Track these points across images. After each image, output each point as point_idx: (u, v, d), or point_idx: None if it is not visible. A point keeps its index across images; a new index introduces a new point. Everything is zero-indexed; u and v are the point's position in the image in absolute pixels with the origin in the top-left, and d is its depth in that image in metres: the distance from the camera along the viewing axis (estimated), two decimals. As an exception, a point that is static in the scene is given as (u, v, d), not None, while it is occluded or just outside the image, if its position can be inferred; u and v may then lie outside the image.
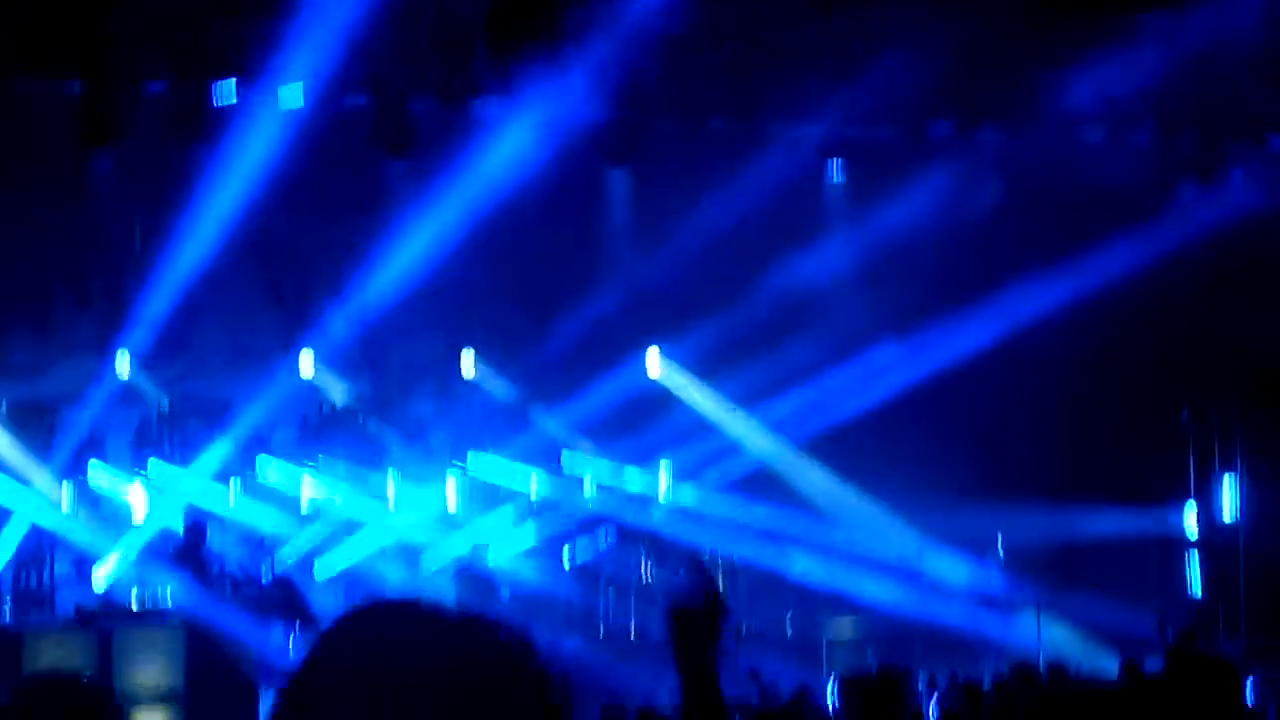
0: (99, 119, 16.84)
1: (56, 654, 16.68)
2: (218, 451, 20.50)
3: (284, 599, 16.81)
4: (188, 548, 18.46)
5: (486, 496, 21.78)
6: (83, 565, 19.71)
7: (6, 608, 19.39)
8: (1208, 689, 7.94)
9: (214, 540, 19.62)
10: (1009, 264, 20.33)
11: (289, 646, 16.20)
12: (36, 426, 20.14)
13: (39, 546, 19.87)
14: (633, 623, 20.37)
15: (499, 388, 22.31)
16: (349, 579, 21.14)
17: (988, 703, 12.65)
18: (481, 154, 19.63)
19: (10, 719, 3.94)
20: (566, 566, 20.81)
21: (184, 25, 18.68)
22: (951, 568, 20.72)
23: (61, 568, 20.04)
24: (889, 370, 20.90)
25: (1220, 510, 20.30)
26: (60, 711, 3.92)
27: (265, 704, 15.97)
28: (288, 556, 20.21)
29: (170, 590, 18.32)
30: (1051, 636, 19.09)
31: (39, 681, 4.01)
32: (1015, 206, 20.45)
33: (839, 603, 20.27)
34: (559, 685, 2.04)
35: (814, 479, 22.40)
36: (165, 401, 20.78)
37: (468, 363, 22.27)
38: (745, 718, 11.79)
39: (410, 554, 21.43)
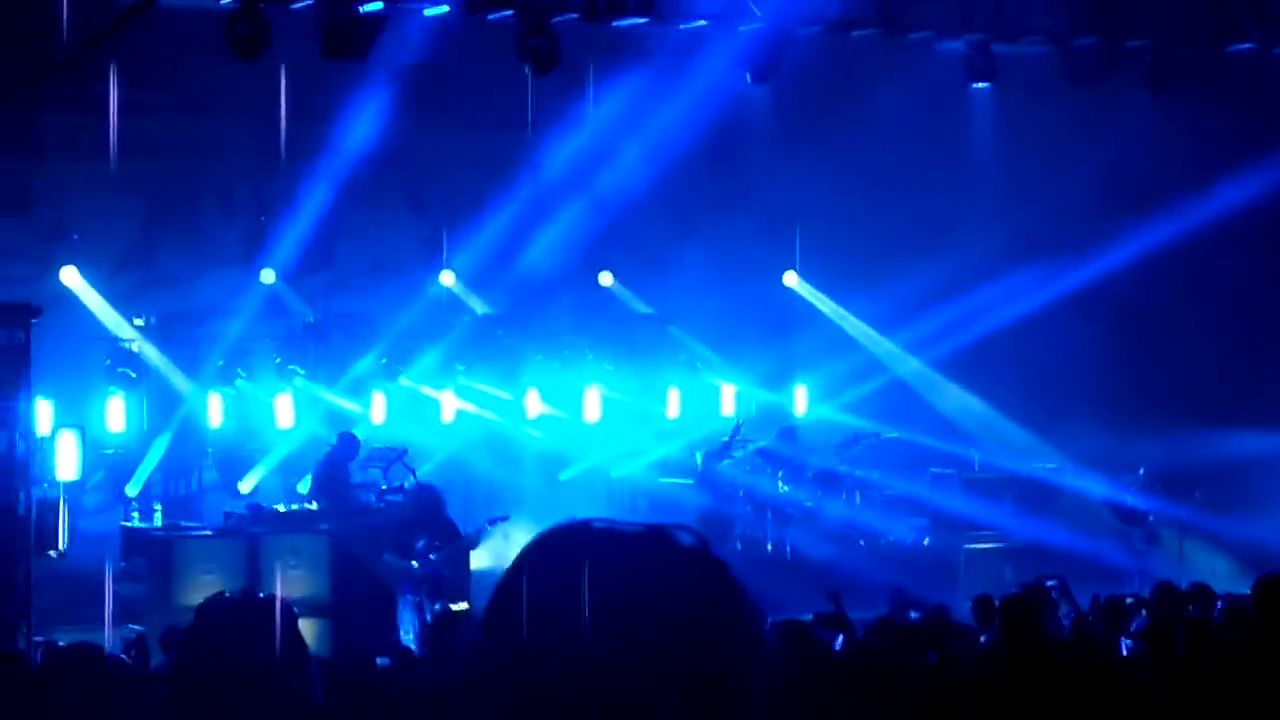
0: (247, 32, 16.95)
1: (204, 562, 17.01)
2: (362, 364, 20.77)
3: (426, 506, 16.99)
4: (336, 461, 18.71)
5: (624, 408, 21.94)
6: (230, 473, 20.06)
7: (157, 514, 19.76)
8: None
9: (359, 450, 19.92)
10: (1159, 181, 20.03)
11: (429, 557, 16.39)
12: (185, 338, 20.48)
13: (187, 454, 20.25)
14: (768, 537, 20.45)
15: (637, 304, 22.42)
16: (489, 488, 21.41)
17: (1129, 621, 12.62)
18: (623, 74, 19.58)
19: (198, 636, 4.04)
20: (703, 477, 20.89)
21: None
22: (1091, 486, 20.59)
23: (210, 475, 20.41)
24: (1029, 291, 20.71)
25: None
26: (244, 626, 4.02)
27: (403, 616, 16.19)
28: (429, 465, 20.45)
29: (315, 500, 18.60)
30: (1194, 558, 18.94)
31: (220, 599, 4.14)
32: (1161, 125, 20.07)
33: (977, 519, 20.20)
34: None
35: (952, 397, 22.35)
36: (311, 314, 21.06)
37: (606, 279, 22.39)
38: (883, 630, 11.81)
39: (551, 463, 21.66)
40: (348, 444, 18.50)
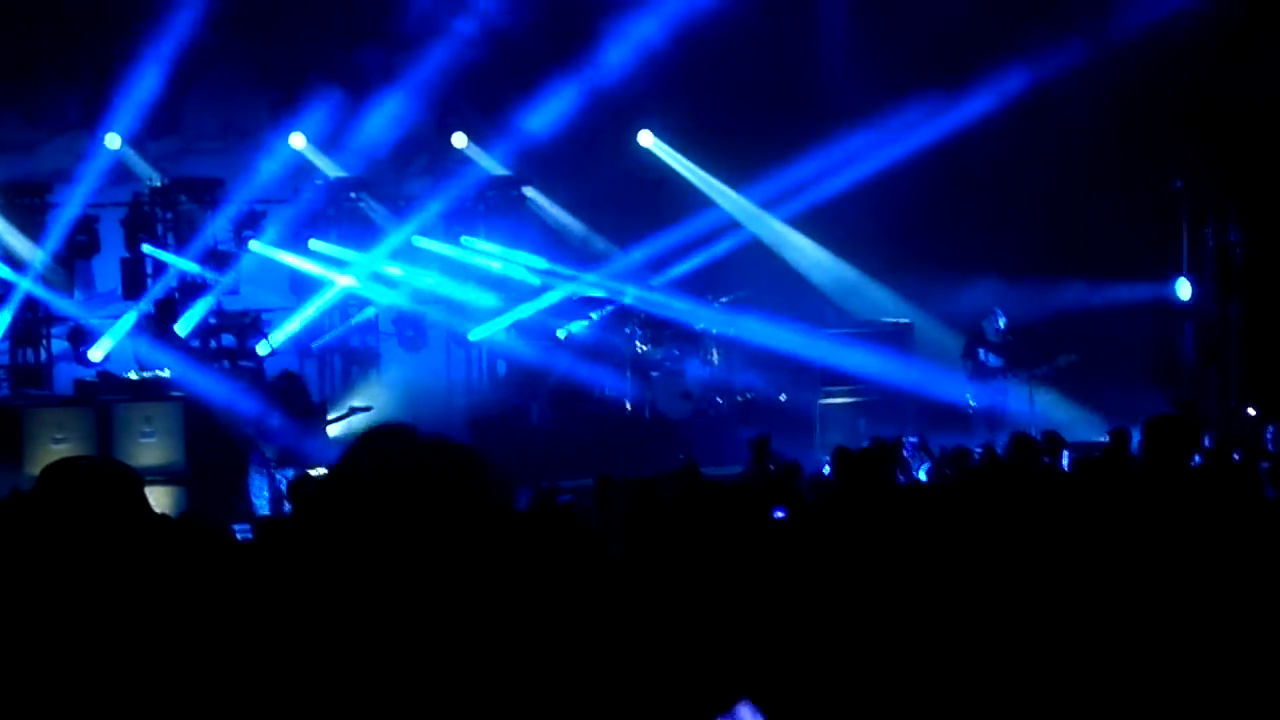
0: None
1: (55, 430, 16.85)
2: (212, 229, 20.49)
3: (290, 391, 17.00)
4: (159, 321, 18.70)
5: (480, 271, 21.82)
6: (79, 341, 19.79)
7: (4, 384, 19.49)
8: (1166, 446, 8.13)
9: (201, 318, 19.79)
10: (1000, 36, 20.11)
11: (286, 428, 16.39)
12: (29, 205, 20.08)
13: (34, 323, 19.95)
14: (627, 396, 20.54)
15: (492, 166, 22.24)
16: (346, 351, 21.32)
17: (980, 469, 12.83)
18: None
19: (38, 499, 3.99)
20: (562, 337, 20.90)
21: None
22: (945, 339, 20.87)
23: (58, 344, 20.14)
24: (882, 145, 20.77)
25: (1211, 280, 20.36)
26: (87, 490, 3.97)
27: (254, 482, 16.15)
28: (283, 332, 20.32)
29: (168, 367, 18.46)
30: (1045, 408, 19.28)
31: (65, 462, 4.07)
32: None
33: (832, 374, 20.40)
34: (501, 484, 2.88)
35: (807, 254, 22.47)
36: (158, 179, 20.69)
37: (460, 140, 22.18)
38: (735, 487, 11.92)
39: (407, 328, 21.54)
40: (161, 312, 18.52)
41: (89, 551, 3.80)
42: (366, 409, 18.59)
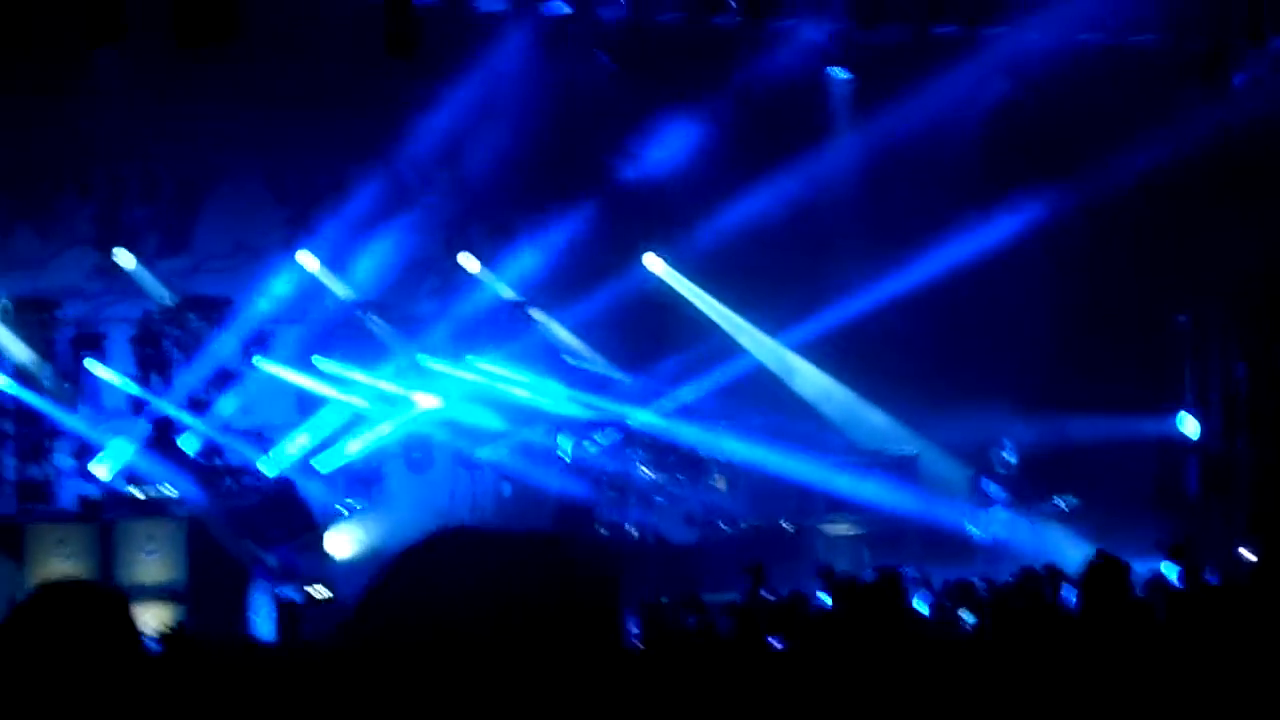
0: (104, 16, 16.74)
1: (58, 546, 16.81)
2: (220, 348, 20.55)
3: (282, 500, 16.94)
4: (158, 439, 18.73)
5: (488, 394, 21.85)
6: (85, 457, 19.80)
7: (10, 499, 19.47)
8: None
9: (207, 435, 19.80)
10: (1010, 169, 20.26)
11: (284, 546, 16.31)
12: (38, 320, 20.17)
13: (40, 438, 19.96)
14: (631, 521, 20.49)
15: (500, 288, 22.33)
16: (350, 473, 21.28)
17: (984, 604, 12.78)
18: (483, 55, 19.56)
19: (25, 620, 3.99)
20: (568, 461, 20.89)
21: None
22: (950, 470, 20.86)
23: (63, 460, 20.14)
24: (888, 276, 20.85)
25: (1218, 415, 20.36)
26: (75, 613, 3.96)
27: (256, 601, 16.08)
28: (288, 451, 20.32)
29: (173, 484, 18.44)
30: (1049, 541, 19.20)
31: (55, 585, 4.07)
32: (1017, 111, 20.30)
33: (836, 503, 20.38)
34: (612, 589, 2.25)
35: (813, 382, 22.49)
36: (168, 297, 20.80)
37: (468, 262, 22.29)
38: (734, 614, 11.90)
39: (413, 448, 21.54)
40: (163, 425, 18.54)
41: (68, 674, 3.79)
42: (357, 506, 18.53)
